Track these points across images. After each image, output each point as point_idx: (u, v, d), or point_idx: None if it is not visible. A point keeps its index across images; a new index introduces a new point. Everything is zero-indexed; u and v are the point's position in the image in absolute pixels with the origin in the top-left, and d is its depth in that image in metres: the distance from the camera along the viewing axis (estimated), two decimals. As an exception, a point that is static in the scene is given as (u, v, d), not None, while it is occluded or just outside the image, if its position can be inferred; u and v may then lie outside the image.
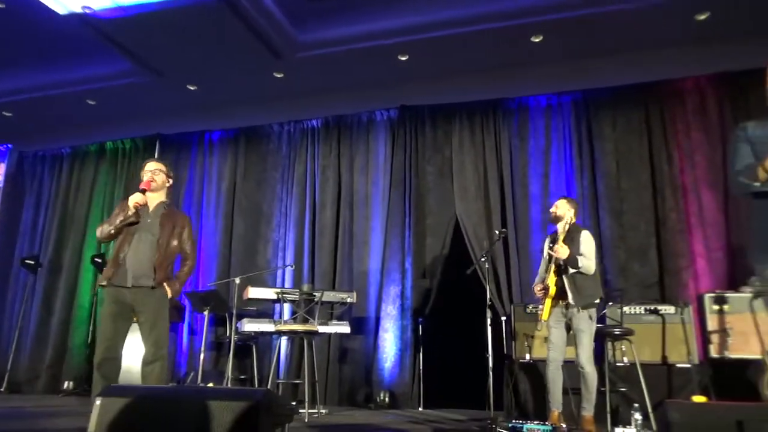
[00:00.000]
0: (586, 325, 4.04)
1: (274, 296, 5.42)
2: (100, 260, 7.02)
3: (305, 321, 5.28)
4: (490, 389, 4.37)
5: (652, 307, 5.00)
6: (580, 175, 5.92)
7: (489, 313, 4.45)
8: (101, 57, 6.43)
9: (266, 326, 5.43)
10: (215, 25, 5.67)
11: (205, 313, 5.75)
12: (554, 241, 4.35)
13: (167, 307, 3.56)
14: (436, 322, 6.01)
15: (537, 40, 5.88)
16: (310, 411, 4.76)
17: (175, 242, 3.64)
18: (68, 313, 7.25)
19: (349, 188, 6.71)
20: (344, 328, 5.62)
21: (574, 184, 5.90)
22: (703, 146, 5.65)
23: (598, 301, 4.17)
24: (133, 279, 3.44)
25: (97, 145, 7.99)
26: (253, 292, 5.38)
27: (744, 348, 4.63)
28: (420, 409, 5.65)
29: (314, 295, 5.38)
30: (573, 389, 4.51)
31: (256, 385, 6.00)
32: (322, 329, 5.32)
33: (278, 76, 6.72)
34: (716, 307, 4.86)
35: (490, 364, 4.36)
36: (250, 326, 5.40)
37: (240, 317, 5.58)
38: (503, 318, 5.43)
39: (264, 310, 6.33)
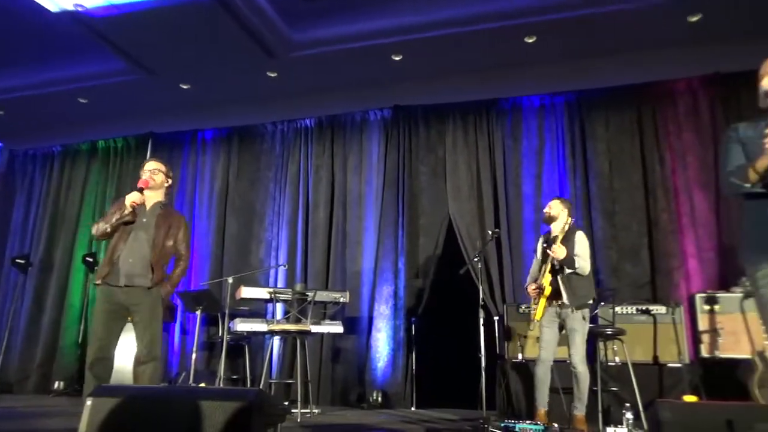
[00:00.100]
0: (580, 325, 4.06)
1: (267, 296, 5.41)
2: (91, 259, 6.98)
3: (298, 321, 5.27)
4: (482, 389, 4.37)
5: (644, 307, 5.03)
6: (573, 176, 5.94)
7: (482, 313, 4.46)
8: (93, 55, 6.39)
9: (259, 326, 5.42)
10: (208, 23, 5.64)
11: (198, 312, 5.73)
12: (548, 241, 4.37)
13: (161, 308, 3.54)
14: (428, 321, 6.02)
15: (530, 40, 5.89)
16: (302, 411, 4.75)
17: (170, 242, 3.62)
18: (59, 313, 7.20)
19: (343, 188, 6.70)
20: (337, 328, 5.61)
21: (567, 185, 5.92)
22: (694, 147, 5.69)
23: (591, 301, 4.19)
24: (126, 278, 3.42)
25: (88, 144, 7.94)
26: (246, 292, 5.36)
27: (734, 348, 4.67)
28: (413, 408, 5.65)
29: (307, 295, 5.37)
30: (565, 389, 4.53)
31: (249, 385, 5.99)
32: (314, 329, 5.31)
33: (272, 75, 6.71)
34: (707, 307, 4.90)
35: (483, 364, 4.37)
36: (242, 326, 5.38)
37: (232, 317, 5.56)
38: (496, 318, 5.44)
39: (256, 309, 6.31)
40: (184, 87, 7.04)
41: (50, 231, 7.66)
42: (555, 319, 4.18)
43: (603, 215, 5.74)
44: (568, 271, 4.09)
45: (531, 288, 4.30)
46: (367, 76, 6.67)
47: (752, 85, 2.50)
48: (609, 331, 4.48)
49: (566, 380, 4.37)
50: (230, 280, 5.47)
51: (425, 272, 6.12)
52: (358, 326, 6.22)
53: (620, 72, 6.02)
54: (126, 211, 3.48)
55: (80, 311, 7.11)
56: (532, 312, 4.29)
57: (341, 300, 5.64)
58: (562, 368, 4.48)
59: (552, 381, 4.38)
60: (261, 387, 5.38)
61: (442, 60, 6.31)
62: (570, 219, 4.20)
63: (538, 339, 4.31)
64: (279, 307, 6.24)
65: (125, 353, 4.67)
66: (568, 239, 4.16)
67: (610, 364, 4.75)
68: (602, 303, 5.05)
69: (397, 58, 6.29)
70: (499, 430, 3.84)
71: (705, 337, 4.83)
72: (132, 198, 3.47)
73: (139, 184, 3.56)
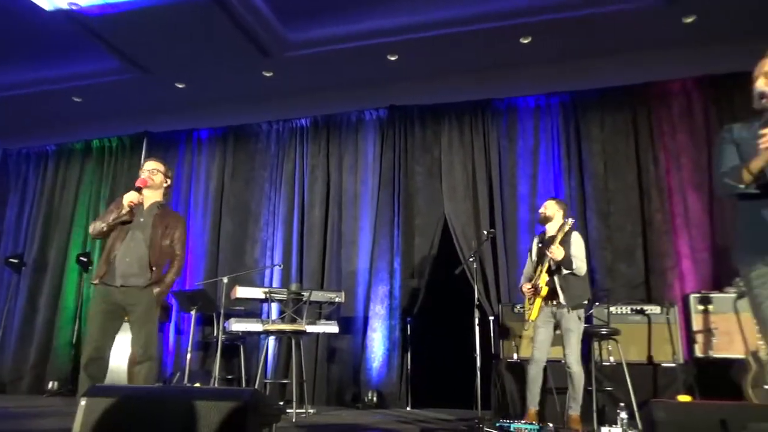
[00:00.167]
0: (575, 325, 4.08)
1: (262, 296, 5.40)
2: (85, 259, 6.96)
3: (293, 321, 5.27)
4: (477, 389, 4.38)
5: (638, 307, 5.04)
6: (568, 176, 5.96)
7: (477, 313, 4.46)
8: (88, 53, 6.36)
9: (254, 326, 5.41)
10: (203, 22, 5.63)
11: (192, 312, 5.72)
12: (543, 241, 4.38)
13: (156, 308, 3.53)
14: (424, 321, 6.02)
15: (526, 41, 5.90)
16: (297, 411, 4.75)
17: (166, 242, 3.61)
18: (53, 313, 7.17)
19: (338, 188, 6.70)
20: (332, 328, 5.61)
21: (562, 185, 5.94)
22: (688, 148, 5.71)
23: (586, 302, 4.21)
24: (123, 279, 3.41)
25: (83, 143, 7.91)
26: (241, 292, 5.35)
27: (728, 348, 4.69)
28: (408, 408, 5.66)
29: (302, 295, 5.36)
30: (559, 389, 4.54)
31: (244, 385, 5.98)
32: (310, 329, 5.30)
33: (267, 74, 6.70)
34: (701, 308, 4.91)
35: (478, 364, 4.38)
36: (237, 326, 5.37)
37: (227, 317, 5.55)
38: (491, 318, 5.45)
39: (252, 309, 6.31)
40: (180, 86, 7.02)
41: (44, 230, 7.62)
42: (550, 320, 4.19)
43: (598, 216, 5.75)
44: (565, 271, 4.11)
45: (526, 288, 4.30)
46: (363, 75, 6.67)
47: (746, 86, 2.52)
48: (604, 331, 4.49)
49: (560, 380, 4.38)
50: (225, 279, 5.47)
51: (420, 272, 6.13)
52: (353, 326, 6.22)
53: (615, 73, 6.05)
54: (123, 211, 3.47)
55: (74, 311, 7.08)
56: (526, 312, 4.29)
57: (336, 300, 5.63)
58: (556, 368, 4.49)
59: (546, 381, 4.39)
60: (256, 387, 5.37)
61: (438, 60, 6.31)
62: (571, 220, 4.20)
63: (532, 339, 4.32)
64: (274, 307, 6.23)
65: (120, 353, 4.66)
66: (564, 240, 4.17)
67: (604, 364, 4.76)
68: (597, 303, 5.06)
69: (392, 58, 6.29)
70: (494, 429, 3.85)
71: (699, 337, 4.85)
72: (129, 197, 3.46)
73: (138, 183, 3.54)
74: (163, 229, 3.59)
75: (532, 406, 4.14)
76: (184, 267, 6.55)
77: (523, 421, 3.92)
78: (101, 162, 7.75)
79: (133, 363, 3.39)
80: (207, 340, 6.51)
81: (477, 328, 4.44)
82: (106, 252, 3.49)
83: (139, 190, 3.51)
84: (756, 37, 5.33)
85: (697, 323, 4.90)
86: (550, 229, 4.39)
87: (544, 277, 4.13)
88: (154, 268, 3.48)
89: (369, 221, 6.45)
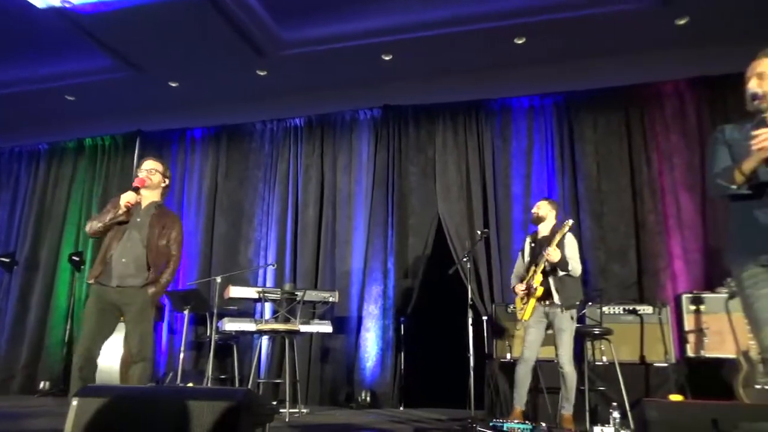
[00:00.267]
0: (568, 325, 4.09)
1: (256, 295, 5.39)
2: (77, 258, 6.92)
3: (287, 320, 5.26)
4: (471, 388, 4.39)
5: (631, 308, 5.07)
6: (562, 177, 5.98)
7: (470, 313, 4.47)
8: (81, 52, 6.32)
9: (247, 325, 5.40)
10: (197, 20, 5.61)
11: (185, 312, 5.70)
12: (536, 241, 4.40)
13: (151, 309, 3.51)
14: (418, 321, 6.03)
15: (520, 41, 5.91)
16: (291, 411, 4.74)
17: (163, 242, 3.59)
18: (45, 312, 7.12)
19: (332, 187, 6.69)
20: (326, 328, 5.60)
21: (556, 186, 5.96)
22: (681, 149, 5.74)
23: (578, 302, 4.22)
24: (119, 279, 3.39)
25: (75, 142, 7.87)
26: (235, 291, 5.34)
27: (720, 347, 4.72)
28: (401, 408, 5.66)
29: (296, 295, 5.36)
30: (550, 388, 4.56)
31: (237, 385, 5.96)
32: (303, 328, 5.30)
33: (261, 73, 6.68)
34: (693, 308, 4.94)
35: (471, 364, 4.38)
36: (230, 325, 5.36)
37: (221, 316, 5.54)
38: (485, 318, 5.46)
39: (245, 309, 6.29)
40: (173, 85, 6.99)
41: (36, 229, 7.58)
42: (542, 319, 4.20)
43: (591, 216, 5.78)
44: (561, 273, 4.12)
45: (519, 288, 4.31)
46: (357, 75, 6.67)
47: (739, 87, 2.53)
48: (596, 330, 4.51)
49: (553, 380, 4.39)
50: (219, 279, 5.44)
51: (414, 272, 6.13)
52: (347, 326, 6.21)
53: (608, 74, 6.07)
54: (120, 211, 3.45)
55: (66, 310, 7.04)
56: (519, 312, 4.30)
57: (330, 300, 5.63)
58: (549, 368, 4.50)
59: (537, 381, 4.40)
60: (249, 387, 5.36)
61: (432, 60, 6.31)
62: (570, 221, 4.20)
63: (523, 338, 4.33)
64: (268, 306, 6.22)
65: (111, 353, 4.63)
66: (558, 241, 4.18)
67: (597, 363, 4.78)
68: (590, 303, 5.08)
69: (387, 58, 6.29)
70: (488, 429, 3.86)
71: (691, 337, 4.88)
72: (126, 198, 3.44)
73: (135, 183, 3.53)
74: (160, 230, 3.58)
75: (518, 405, 4.16)
76: (178, 267, 6.55)
77: (516, 421, 3.93)
78: (94, 161, 7.71)
79: (126, 363, 3.37)
80: (200, 339, 6.49)
81: (470, 328, 4.44)
82: (102, 252, 3.48)
83: (136, 190, 3.49)
84: (749, 38, 5.35)
85: (689, 323, 4.92)
86: (543, 229, 4.41)
87: (538, 278, 4.14)
88: (151, 269, 3.46)
89: (363, 221, 6.45)
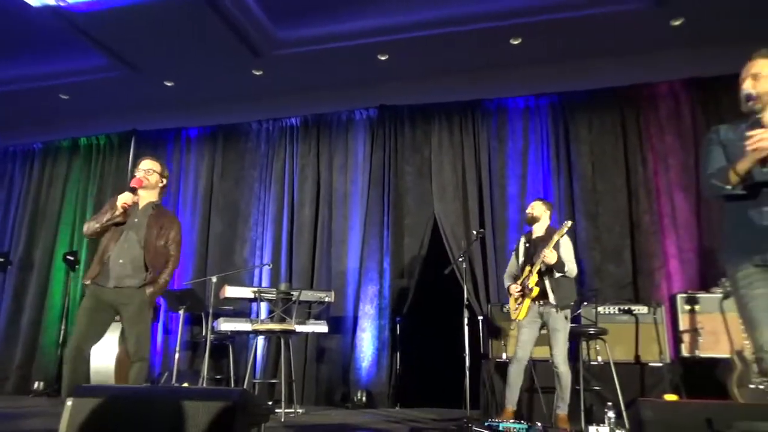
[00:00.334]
0: (562, 325, 4.10)
1: (251, 295, 5.38)
2: (72, 258, 6.89)
3: (282, 320, 5.25)
4: (466, 388, 4.39)
5: (626, 307, 5.08)
6: (557, 177, 5.99)
7: (466, 313, 4.47)
8: (75, 50, 6.29)
9: (243, 325, 5.38)
10: (193, 19, 5.59)
11: (181, 312, 5.68)
12: (530, 241, 4.41)
13: (149, 309, 3.50)
14: (413, 321, 6.03)
15: (516, 42, 5.92)
16: (286, 411, 4.74)
17: (161, 243, 3.57)
18: (39, 312, 7.09)
19: (328, 187, 6.69)
20: (322, 328, 5.60)
21: (551, 186, 5.97)
22: (676, 150, 5.76)
23: (572, 303, 4.24)
24: (116, 280, 3.38)
25: (70, 141, 7.83)
26: (230, 291, 5.33)
27: (714, 347, 4.73)
28: (397, 408, 5.66)
29: (292, 294, 5.35)
30: (544, 388, 4.57)
31: (232, 385, 5.95)
32: (299, 328, 5.29)
33: (257, 73, 6.67)
34: (688, 307, 4.96)
35: (467, 363, 4.39)
36: (226, 325, 5.34)
37: (216, 316, 5.52)
38: (480, 317, 5.47)
39: (241, 309, 6.28)
40: (168, 84, 6.97)
41: (30, 229, 7.54)
42: (536, 319, 4.21)
43: (586, 216, 5.79)
44: (557, 274, 4.13)
45: (514, 288, 4.32)
46: (353, 75, 6.66)
47: (733, 88, 2.54)
48: (591, 330, 4.52)
49: (547, 380, 4.40)
50: (214, 279, 5.43)
51: (410, 272, 6.13)
52: (342, 326, 6.21)
53: (604, 74, 6.09)
54: (117, 212, 3.44)
55: (61, 310, 7.01)
56: (513, 312, 4.30)
57: (326, 299, 5.63)
58: (544, 368, 4.51)
59: (531, 380, 4.40)
60: (245, 387, 5.35)
61: (428, 60, 6.32)
62: (569, 222, 4.21)
63: (516, 338, 4.33)
64: (263, 306, 6.20)
65: (106, 353, 4.61)
66: (556, 243, 4.18)
67: (592, 363, 4.79)
68: (585, 303, 5.10)
69: (383, 58, 6.29)
70: (483, 429, 3.86)
71: (685, 337, 4.89)
72: (123, 199, 3.42)
73: (132, 184, 3.51)
74: (158, 230, 3.56)
75: (510, 405, 4.16)
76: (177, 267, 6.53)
77: (512, 421, 3.93)
78: (89, 160, 7.68)
79: (122, 362, 3.36)
80: (195, 339, 6.47)
81: (466, 328, 4.45)
82: (99, 253, 3.46)
83: (133, 190, 3.48)
84: (743, 39, 5.38)
85: (683, 323, 4.94)
86: (537, 229, 4.42)
87: (534, 278, 4.15)
88: (149, 270, 3.45)
89: (359, 221, 6.45)
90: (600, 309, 5.01)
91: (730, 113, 2.81)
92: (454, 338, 4.74)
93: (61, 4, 5.39)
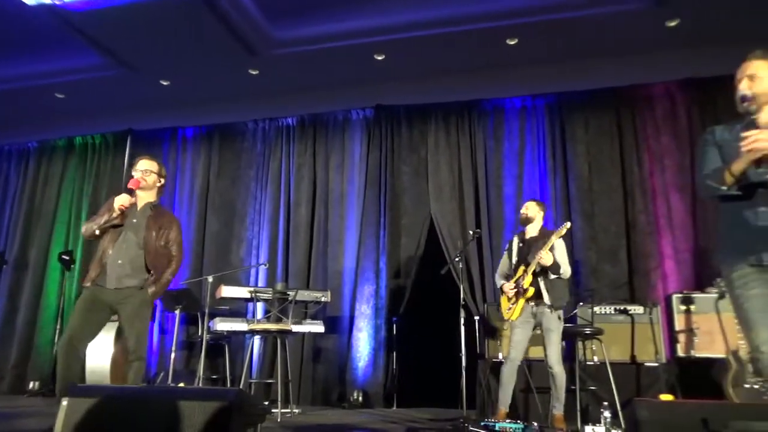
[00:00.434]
0: (556, 325, 4.12)
1: (248, 295, 5.37)
2: (67, 257, 6.87)
3: (279, 320, 5.24)
4: (463, 388, 4.40)
5: (622, 307, 5.09)
6: (553, 177, 6.00)
7: (462, 313, 4.48)
8: (71, 49, 6.27)
9: (239, 325, 5.38)
10: (189, 19, 5.58)
11: (177, 311, 5.67)
12: (523, 241, 4.42)
13: (148, 308, 3.49)
14: (410, 321, 6.03)
15: (512, 42, 5.93)
16: (283, 411, 4.73)
17: (161, 243, 3.56)
18: (34, 312, 7.07)
19: (325, 187, 6.68)
20: (318, 328, 5.60)
21: (548, 186, 5.98)
22: (672, 150, 5.78)
23: (565, 303, 4.25)
24: (116, 281, 3.37)
25: (65, 140, 7.80)
26: (226, 291, 5.32)
27: (710, 347, 4.75)
28: (393, 408, 5.66)
29: (288, 294, 5.34)
30: (540, 388, 4.57)
31: (229, 385, 5.94)
32: (295, 328, 5.29)
33: (253, 73, 6.66)
34: (683, 308, 4.97)
35: (464, 363, 4.39)
36: (222, 325, 5.33)
37: (212, 316, 5.51)
38: (476, 317, 5.47)
39: (237, 309, 6.27)
40: (164, 83, 6.95)
41: (25, 228, 7.51)
42: (530, 320, 4.21)
43: (582, 216, 5.80)
44: (553, 276, 4.14)
45: (508, 286, 4.32)
46: (350, 75, 6.66)
47: (729, 89, 2.55)
48: (587, 330, 4.53)
49: (542, 380, 4.40)
50: (210, 279, 5.42)
51: (406, 272, 6.13)
52: (339, 326, 6.21)
53: (600, 75, 6.10)
54: (114, 214, 3.43)
55: (56, 310, 6.98)
56: (506, 312, 4.30)
57: (322, 299, 5.62)
58: (539, 368, 4.52)
59: (527, 381, 4.40)
60: (241, 387, 5.34)
61: (425, 60, 6.32)
62: (568, 223, 4.21)
63: (509, 338, 4.34)
64: (259, 306, 6.20)
65: (101, 352, 4.60)
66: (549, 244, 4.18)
67: (588, 363, 4.80)
68: (581, 303, 5.11)
69: (379, 58, 6.29)
70: (480, 429, 3.86)
71: (681, 337, 4.91)
72: (121, 201, 3.41)
73: (130, 185, 3.50)
74: (157, 231, 3.55)
75: (503, 406, 4.15)
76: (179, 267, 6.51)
77: (508, 420, 3.94)
78: (84, 159, 7.65)
79: (118, 362, 3.35)
80: (191, 339, 6.46)
81: (462, 328, 4.46)
82: (98, 255, 3.46)
83: (131, 192, 3.47)
84: (739, 40, 5.40)
85: (679, 323, 4.96)
86: (531, 230, 4.42)
87: (528, 279, 4.16)
88: (151, 271, 3.44)
89: (355, 220, 6.44)
90: (596, 309, 5.02)
91: (726, 114, 2.81)
92: (451, 338, 4.74)
93: (57, 2, 5.37)
